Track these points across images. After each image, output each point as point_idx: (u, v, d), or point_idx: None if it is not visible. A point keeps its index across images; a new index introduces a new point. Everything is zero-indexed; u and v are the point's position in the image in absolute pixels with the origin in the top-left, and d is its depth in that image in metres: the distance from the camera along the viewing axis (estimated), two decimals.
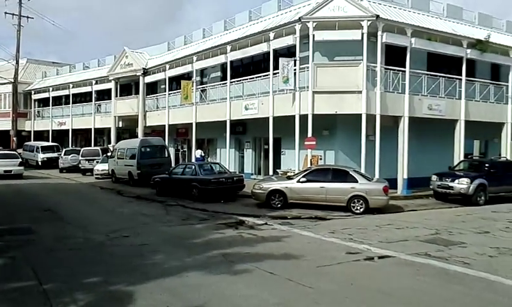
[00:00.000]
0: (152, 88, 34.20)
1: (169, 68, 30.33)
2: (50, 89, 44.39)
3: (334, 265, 9.01)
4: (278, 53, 22.18)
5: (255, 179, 23.11)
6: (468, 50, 22.47)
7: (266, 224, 13.86)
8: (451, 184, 19.14)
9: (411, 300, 7.01)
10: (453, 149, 22.45)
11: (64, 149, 36.31)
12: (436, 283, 7.87)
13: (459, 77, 22.43)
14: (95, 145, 38.01)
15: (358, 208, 15.96)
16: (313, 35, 19.93)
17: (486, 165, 20.34)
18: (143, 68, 33.36)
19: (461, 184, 18.84)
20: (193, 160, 26.90)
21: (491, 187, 19.29)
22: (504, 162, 21.63)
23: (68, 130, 42.23)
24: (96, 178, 28.65)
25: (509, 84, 24.45)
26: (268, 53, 22.42)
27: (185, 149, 32.46)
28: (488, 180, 19.17)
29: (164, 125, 30.68)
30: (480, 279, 8.03)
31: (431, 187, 20.13)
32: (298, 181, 16.77)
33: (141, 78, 33.50)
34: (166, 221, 14.35)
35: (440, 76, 22.14)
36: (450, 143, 22.48)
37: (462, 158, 22.13)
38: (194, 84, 27.95)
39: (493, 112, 24.02)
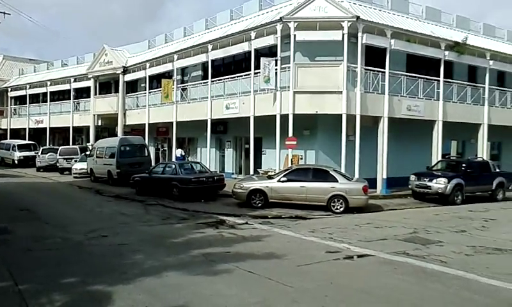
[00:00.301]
0: (132, 86, 33.88)
1: (150, 67, 30.09)
2: (28, 86, 43.59)
3: (314, 264, 9.06)
4: (260, 52, 22.20)
5: (235, 178, 23.09)
6: (446, 52, 22.82)
7: (247, 223, 13.86)
8: (429, 184, 19.45)
9: (389, 299, 7.08)
10: (431, 150, 22.77)
11: (41, 148, 35.75)
12: (414, 281, 7.97)
13: (438, 78, 22.76)
14: (73, 144, 37.44)
15: (338, 207, 16.09)
16: (295, 35, 19.99)
17: (463, 165, 20.72)
18: (123, 66, 33.00)
19: (439, 184, 19.15)
20: (173, 159, 26.75)
21: (467, 187, 19.68)
22: (480, 162, 22.04)
23: (46, 128, 41.55)
24: (75, 177, 28.27)
25: (485, 86, 24.91)
26: (249, 52, 22.41)
27: (166, 149, 32.25)
28: (464, 180, 19.55)
29: (144, 124, 30.44)
30: (457, 277, 8.15)
31: (409, 186, 20.41)
32: (279, 181, 16.81)
33: (120, 76, 33.14)
34: (145, 221, 14.22)
35: (419, 77, 22.42)
36: (429, 143, 22.80)
37: (440, 158, 22.47)
38: (175, 82, 27.77)
39: (470, 113, 24.44)
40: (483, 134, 25.01)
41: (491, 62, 24.92)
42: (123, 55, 34.58)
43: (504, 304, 6.86)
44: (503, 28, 30.10)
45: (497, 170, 22.00)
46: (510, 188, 22.40)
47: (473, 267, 8.83)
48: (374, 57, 20.91)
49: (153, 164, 25.45)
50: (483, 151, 24.83)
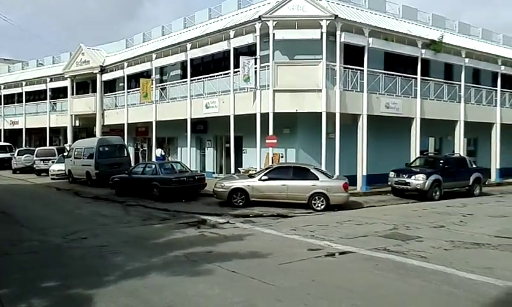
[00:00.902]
0: (110, 86, 33.50)
1: (128, 66, 29.80)
2: (2, 87, 42.79)
3: (296, 262, 9.08)
4: (239, 51, 22.17)
5: (216, 178, 23.01)
6: (423, 50, 23.16)
7: (228, 222, 13.84)
8: (408, 180, 19.71)
9: (371, 295, 7.14)
10: (409, 146, 23.09)
11: (17, 149, 35.15)
12: (394, 277, 8.05)
13: (415, 76, 23.09)
14: (50, 145, 36.84)
15: (319, 205, 16.17)
16: (274, 34, 20.03)
17: (441, 161, 21.07)
18: (100, 66, 32.64)
19: (418, 180, 19.43)
20: (153, 159, 26.54)
21: (445, 183, 20.02)
22: (457, 158, 22.45)
23: (22, 129, 40.81)
24: (52, 178, 27.80)
25: (461, 83, 25.36)
26: (228, 51, 22.36)
27: (145, 149, 32.00)
28: (442, 176, 19.87)
29: (123, 124, 30.13)
30: (436, 272, 8.26)
31: (389, 183, 20.65)
32: (260, 180, 16.82)
33: (98, 76, 32.74)
34: (126, 222, 14.08)
35: (397, 75, 22.70)
36: (407, 140, 23.12)
37: (418, 155, 22.79)
38: (154, 82, 27.55)
39: (447, 110, 24.87)
40: (459, 131, 25.46)
41: (466, 60, 25.39)
42: (100, 54, 34.16)
43: (483, 298, 6.98)
44: (477, 26, 30.75)
45: (474, 166, 22.43)
46: (486, 183, 22.93)
47: (452, 261, 8.96)
48: (353, 55, 21.09)
49: (132, 164, 25.20)
50: (460, 147, 25.28)
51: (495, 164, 27.62)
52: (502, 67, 27.60)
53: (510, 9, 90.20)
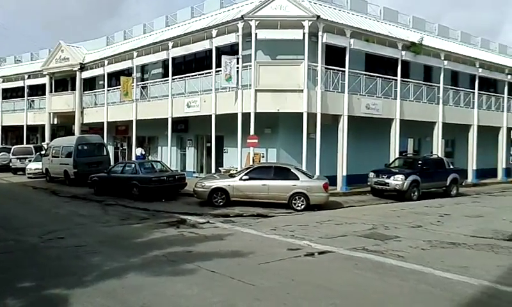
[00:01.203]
0: (90, 84, 33.08)
1: (108, 64, 29.43)
2: None
3: (275, 261, 9.08)
4: (221, 50, 22.07)
5: (197, 177, 22.92)
6: (403, 52, 23.39)
7: (208, 222, 13.78)
8: (387, 181, 19.91)
9: (350, 294, 7.19)
10: (389, 147, 23.32)
11: None
12: (373, 276, 8.12)
13: (395, 77, 23.31)
14: (27, 143, 36.17)
15: (299, 205, 16.23)
16: (256, 33, 20.01)
17: (419, 162, 21.35)
18: (80, 63, 32.20)
19: (396, 181, 19.65)
20: (133, 158, 26.30)
21: (423, 183, 20.28)
22: (435, 159, 22.75)
23: None
24: (29, 177, 27.37)
25: (440, 85, 25.72)
26: (210, 50, 22.27)
27: (125, 148, 31.71)
28: (420, 177, 20.12)
29: (103, 122, 29.76)
30: (414, 272, 8.36)
31: (368, 183, 20.83)
32: (240, 179, 16.80)
33: (77, 73, 32.29)
34: (104, 221, 13.91)
35: (377, 76, 22.86)
36: (387, 141, 23.34)
37: (397, 155, 23.04)
38: (135, 80, 27.29)
39: (426, 111, 25.18)
40: (438, 132, 25.81)
41: (445, 62, 25.75)
42: (80, 51, 33.69)
43: (459, 297, 7.09)
44: (456, 29, 31.25)
45: (451, 167, 22.78)
46: (463, 184, 23.32)
47: (429, 260, 9.09)
48: (334, 56, 21.20)
49: (112, 163, 24.93)
50: (438, 148, 25.63)
51: (472, 165, 28.13)
52: (480, 70, 28.09)
53: (488, 12, 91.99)
